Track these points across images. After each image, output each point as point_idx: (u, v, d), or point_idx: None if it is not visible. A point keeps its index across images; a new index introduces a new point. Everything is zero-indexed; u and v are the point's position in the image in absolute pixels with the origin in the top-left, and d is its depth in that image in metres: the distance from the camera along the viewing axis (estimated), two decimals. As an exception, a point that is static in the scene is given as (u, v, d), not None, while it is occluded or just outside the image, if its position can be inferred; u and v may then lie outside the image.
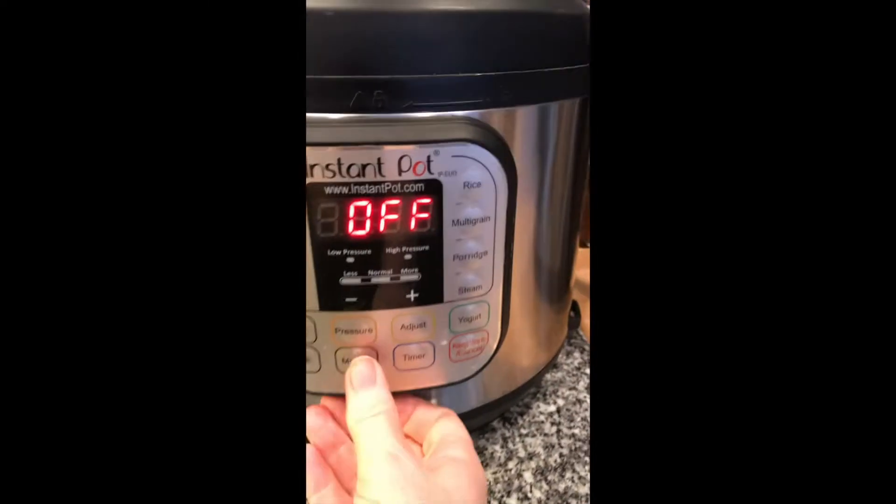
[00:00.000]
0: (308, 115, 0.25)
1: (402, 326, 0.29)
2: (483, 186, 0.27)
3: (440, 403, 0.34)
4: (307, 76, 0.24)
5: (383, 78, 0.24)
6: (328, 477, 0.30)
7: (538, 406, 0.46)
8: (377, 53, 0.24)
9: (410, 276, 0.28)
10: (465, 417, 0.36)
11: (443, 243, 0.27)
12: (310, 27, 0.24)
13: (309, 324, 0.28)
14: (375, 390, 0.27)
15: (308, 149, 0.24)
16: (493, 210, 0.27)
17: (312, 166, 0.24)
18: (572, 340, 0.55)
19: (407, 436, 0.32)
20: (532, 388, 0.47)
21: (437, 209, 0.26)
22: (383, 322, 0.29)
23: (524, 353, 0.38)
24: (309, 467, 0.29)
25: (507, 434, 0.43)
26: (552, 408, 0.46)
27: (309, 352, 0.29)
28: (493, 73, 0.26)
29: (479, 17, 0.26)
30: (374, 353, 0.30)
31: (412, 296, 0.28)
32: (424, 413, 0.32)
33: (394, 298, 0.28)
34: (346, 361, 0.29)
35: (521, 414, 0.45)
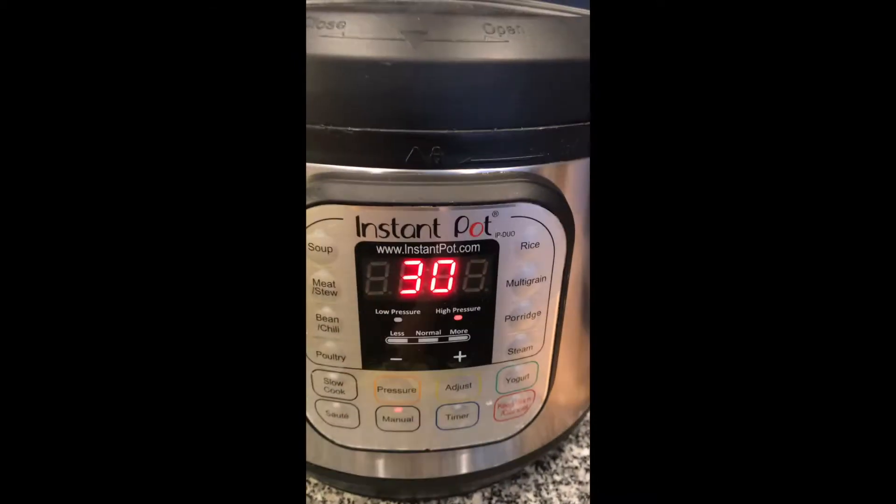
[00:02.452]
0: (361, 169, 0.23)
1: (448, 387, 0.28)
2: (541, 246, 0.25)
3: (476, 458, 0.33)
4: (362, 129, 0.23)
5: (441, 133, 0.23)
6: None
7: (571, 449, 0.44)
8: (437, 106, 0.23)
9: (459, 337, 0.26)
10: (499, 470, 0.34)
11: (495, 304, 0.26)
12: (367, 78, 0.22)
13: (350, 380, 0.27)
14: None
15: (361, 207, 0.23)
16: (550, 270, 0.26)
17: (365, 225, 0.23)
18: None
19: None
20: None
21: (492, 270, 0.25)
22: (428, 382, 0.27)
23: (565, 405, 0.36)
24: None
25: (541, 481, 0.41)
26: (585, 451, 0.44)
27: (348, 408, 0.28)
28: (555, 126, 0.25)
29: (543, 67, 0.24)
30: (417, 411, 0.28)
31: (460, 357, 0.27)
32: None
33: (440, 359, 0.27)
34: (387, 419, 0.28)
35: (554, 458, 0.43)
